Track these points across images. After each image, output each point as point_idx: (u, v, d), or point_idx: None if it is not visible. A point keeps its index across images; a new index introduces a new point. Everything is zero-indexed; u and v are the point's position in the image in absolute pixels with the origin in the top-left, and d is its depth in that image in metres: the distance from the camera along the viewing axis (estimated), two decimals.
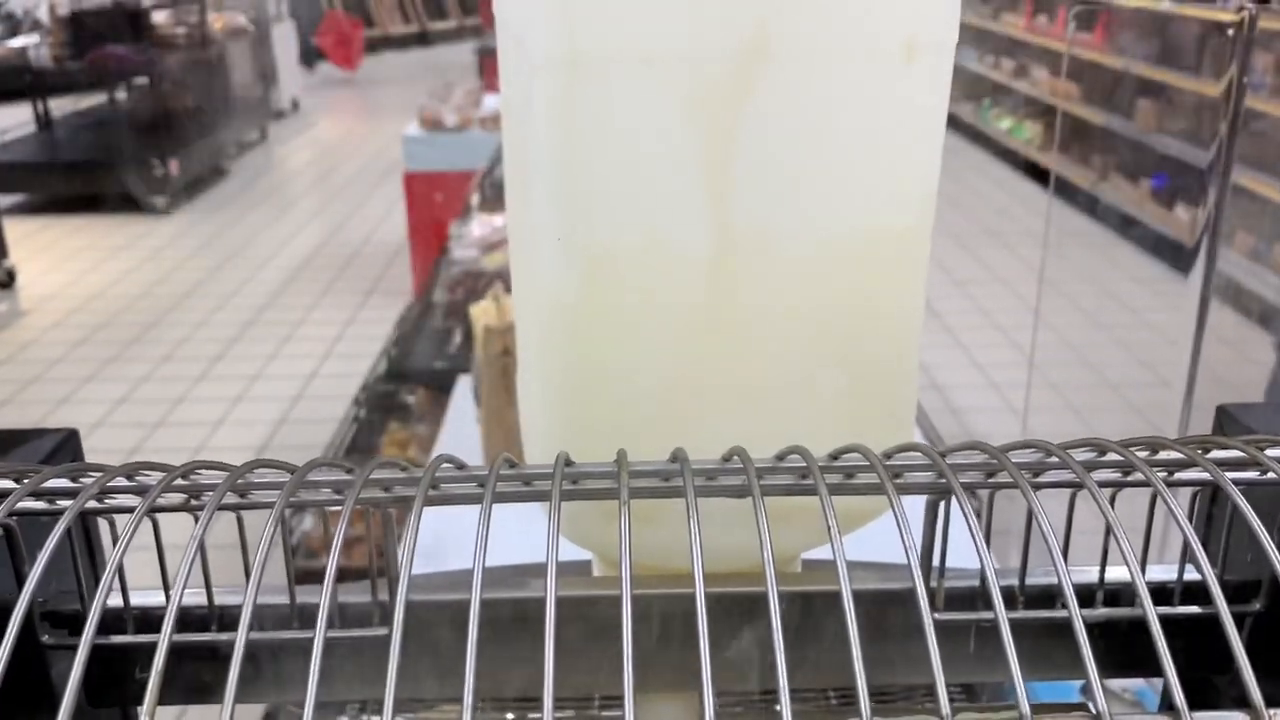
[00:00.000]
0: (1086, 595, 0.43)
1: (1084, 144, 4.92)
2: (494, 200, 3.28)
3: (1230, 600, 0.29)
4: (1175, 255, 3.66)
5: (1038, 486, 0.33)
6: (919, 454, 0.33)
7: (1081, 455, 0.32)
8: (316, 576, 0.40)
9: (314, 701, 0.27)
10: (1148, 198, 4.43)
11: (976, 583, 0.43)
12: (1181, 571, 0.43)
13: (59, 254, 4.89)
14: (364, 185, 6.02)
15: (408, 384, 2.59)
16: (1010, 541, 0.63)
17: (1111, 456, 0.32)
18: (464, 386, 1.87)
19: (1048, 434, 0.38)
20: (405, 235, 4.28)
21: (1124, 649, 0.43)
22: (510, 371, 1.52)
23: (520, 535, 0.59)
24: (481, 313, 1.58)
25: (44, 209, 5.46)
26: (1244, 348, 2.86)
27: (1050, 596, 0.44)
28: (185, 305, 4.27)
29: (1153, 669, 0.47)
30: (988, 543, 0.33)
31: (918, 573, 0.27)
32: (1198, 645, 0.44)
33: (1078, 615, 0.25)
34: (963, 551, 0.42)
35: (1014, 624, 0.28)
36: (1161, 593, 0.43)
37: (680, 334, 0.42)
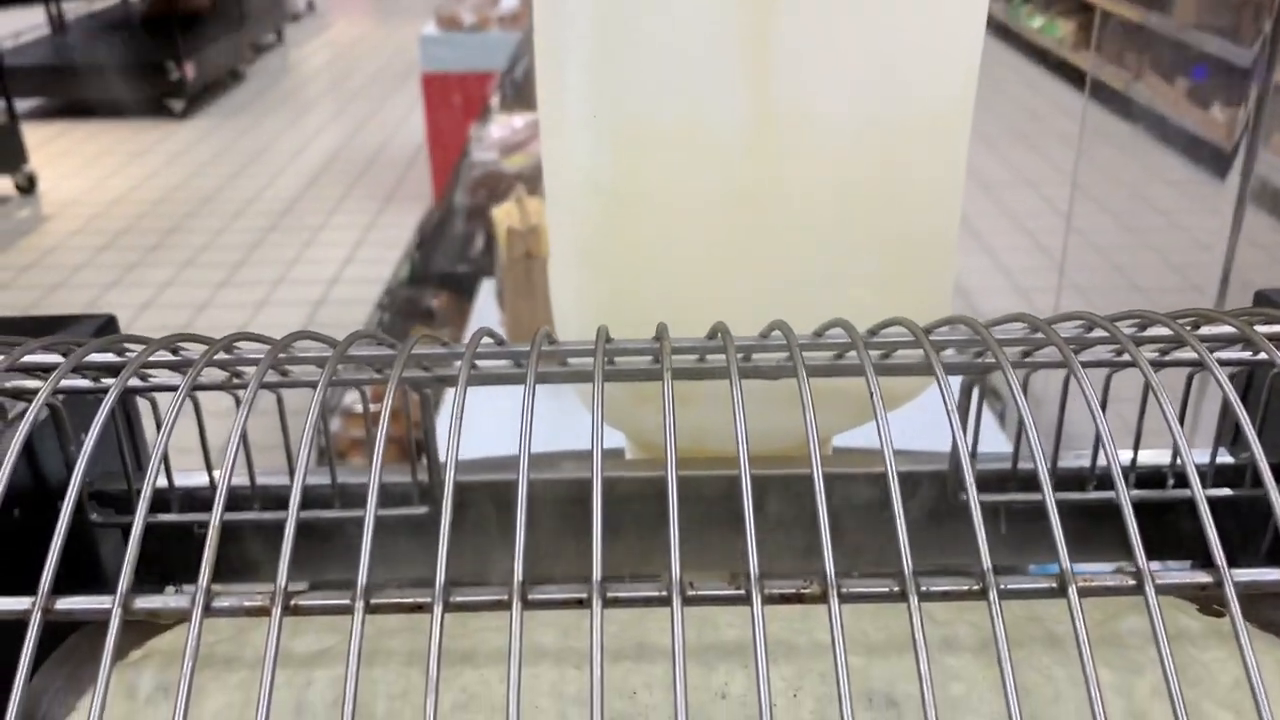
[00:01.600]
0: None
1: (1117, 42, 4.76)
2: (514, 101, 3.23)
3: (1261, 485, 0.29)
4: (1210, 157, 3.57)
5: (1082, 364, 0.32)
6: (960, 328, 0.32)
7: (1125, 328, 0.32)
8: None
9: (366, 579, 0.28)
10: (1183, 98, 4.30)
11: (1005, 465, 0.44)
12: (1214, 455, 0.43)
13: (78, 159, 4.87)
14: (382, 87, 5.93)
15: (430, 288, 2.59)
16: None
17: (1155, 330, 0.31)
18: (487, 290, 1.87)
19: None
20: (424, 138, 4.23)
21: (1153, 532, 0.44)
22: (534, 274, 1.52)
23: (546, 419, 0.59)
24: (504, 215, 1.57)
25: (61, 113, 5.42)
26: (1277, 251, 2.81)
27: (1080, 480, 0.44)
28: (205, 210, 4.26)
29: (1179, 553, 0.47)
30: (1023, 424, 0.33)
31: (963, 446, 0.27)
32: (1227, 530, 0.45)
33: (1123, 487, 0.25)
34: (984, 439, 0.43)
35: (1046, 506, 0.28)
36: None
37: (717, 214, 0.42)
